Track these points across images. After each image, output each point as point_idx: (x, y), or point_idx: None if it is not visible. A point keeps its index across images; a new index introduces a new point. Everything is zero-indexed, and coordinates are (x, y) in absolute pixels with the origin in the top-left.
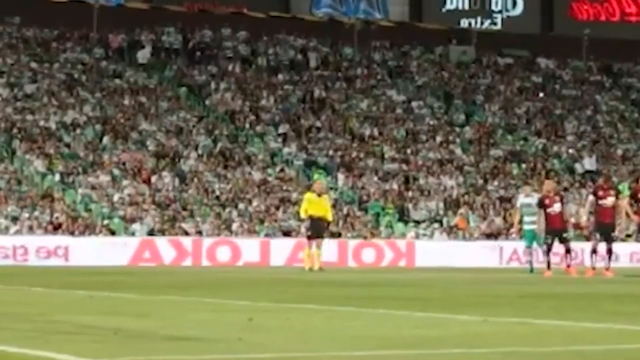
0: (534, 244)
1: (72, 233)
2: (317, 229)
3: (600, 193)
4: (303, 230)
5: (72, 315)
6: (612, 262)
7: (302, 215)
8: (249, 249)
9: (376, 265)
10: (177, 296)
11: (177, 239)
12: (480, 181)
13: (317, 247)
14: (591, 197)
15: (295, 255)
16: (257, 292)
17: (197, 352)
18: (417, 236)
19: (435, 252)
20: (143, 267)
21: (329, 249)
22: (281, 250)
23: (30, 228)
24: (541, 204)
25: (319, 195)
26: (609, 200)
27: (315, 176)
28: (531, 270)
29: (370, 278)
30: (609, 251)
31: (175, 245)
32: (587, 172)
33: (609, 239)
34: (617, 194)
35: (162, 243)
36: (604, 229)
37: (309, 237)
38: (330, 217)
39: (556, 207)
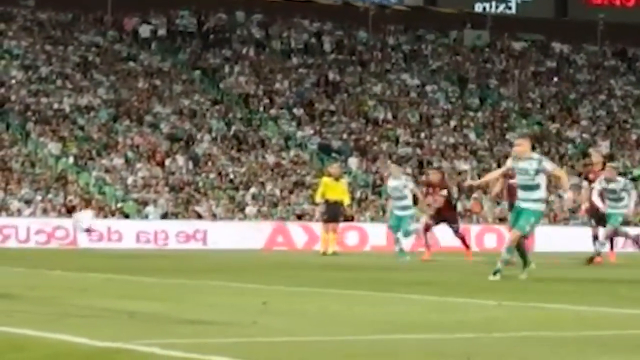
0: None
1: None
2: (333, 213)
3: (592, 177)
4: (318, 214)
5: (91, 299)
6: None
7: (318, 198)
8: (376, 233)
9: (497, 249)
10: (190, 280)
11: (307, 224)
12: (494, 165)
13: (333, 231)
14: (585, 183)
15: (420, 240)
16: (271, 275)
17: (211, 335)
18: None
19: (552, 236)
20: (276, 251)
21: (450, 234)
22: None
23: (44, 211)
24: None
25: (336, 179)
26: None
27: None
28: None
29: (385, 262)
30: (608, 235)
31: (306, 230)
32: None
33: (605, 223)
34: None
35: (294, 228)
36: (599, 213)
37: (325, 221)
38: (347, 201)
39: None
